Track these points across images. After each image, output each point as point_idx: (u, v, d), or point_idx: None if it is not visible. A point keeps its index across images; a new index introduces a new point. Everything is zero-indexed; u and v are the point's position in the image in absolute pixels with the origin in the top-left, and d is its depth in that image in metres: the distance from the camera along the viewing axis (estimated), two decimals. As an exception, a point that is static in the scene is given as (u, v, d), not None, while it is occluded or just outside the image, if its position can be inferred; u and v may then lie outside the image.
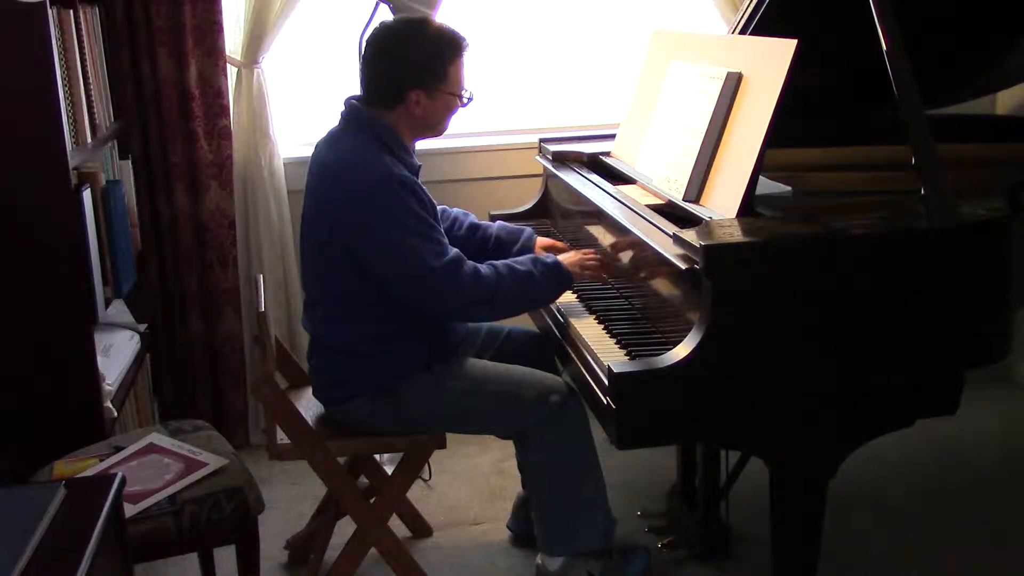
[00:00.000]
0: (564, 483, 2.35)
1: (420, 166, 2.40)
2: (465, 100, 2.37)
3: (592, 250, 2.44)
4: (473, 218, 2.69)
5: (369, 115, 2.32)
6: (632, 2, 3.66)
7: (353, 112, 2.35)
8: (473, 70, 2.40)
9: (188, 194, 3.21)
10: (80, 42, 2.60)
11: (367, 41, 2.34)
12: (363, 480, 2.76)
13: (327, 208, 2.29)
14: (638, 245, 2.20)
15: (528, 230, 2.68)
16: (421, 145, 2.60)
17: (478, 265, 2.28)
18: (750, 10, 2.58)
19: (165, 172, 3.19)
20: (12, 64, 2.27)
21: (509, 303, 2.31)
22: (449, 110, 2.36)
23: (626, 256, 2.35)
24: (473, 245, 2.61)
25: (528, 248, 2.63)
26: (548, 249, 2.64)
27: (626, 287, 2.38)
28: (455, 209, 2.69)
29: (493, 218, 3.08)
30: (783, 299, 1.89)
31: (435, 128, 2.38)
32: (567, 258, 2.39)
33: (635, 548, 2.49)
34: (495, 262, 2.33)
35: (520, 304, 2.36)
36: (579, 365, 2.14)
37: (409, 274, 2.22)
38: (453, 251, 2.25)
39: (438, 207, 2.59)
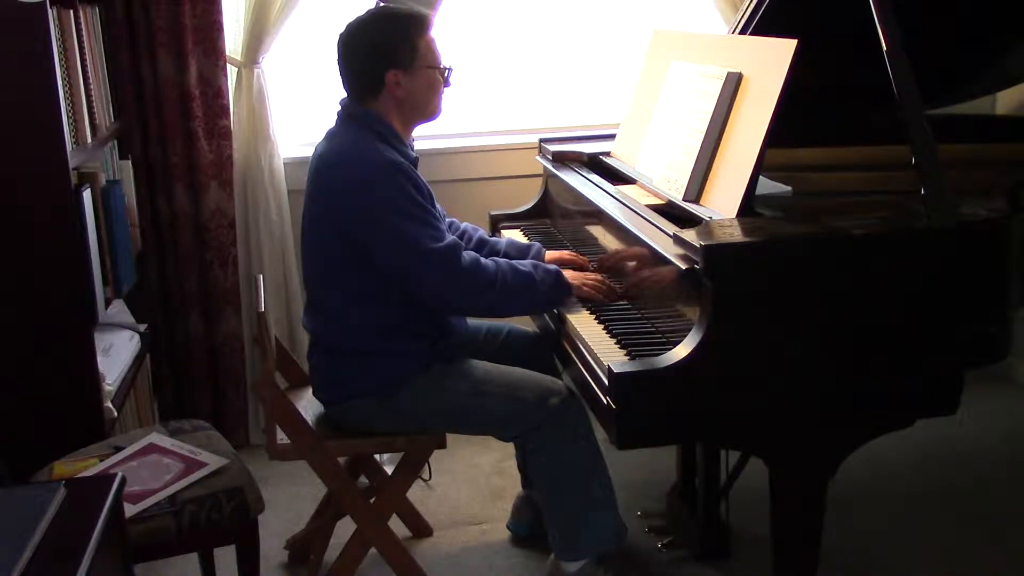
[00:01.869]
0: (568, 485, 2.34)
1: (417, 158, 2.40)
2: (446, 73, 2.38)
3: (597, 276, 2.42)
4: (483, 233, 2.70)
5: (361, 110, 2.35)
6: (632, 2, 3.66)
7: (348, 109, 2.38)
8: (452, 52, 2.42)
9: (188, 194, 3.21)
10: (80, 42, 2.60)
11: (337, 43, 2.37)
12: (363, 480, 2.76)
13: (327, 199, 2.30)
14: (638, 245, 2.20)
15: (537, 245, 2.67)
16: (421, 145, 2.61)
17: (478, 256, 2.29)
18: (750, 10, 2.58)
19: (165, 172, 3.19)
20: (12, 64, 2.27)
21: (506, 298, 2.30)
22: (432, 87, 2.36)
23: (626, 256, 2.34)
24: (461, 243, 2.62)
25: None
26: (556, 261, 2.63)
27: (626, 287, 2.38)
28: (465, 223, 2.70)
29: (493, 218, 3.09)
30: (783, 299, 1.89)
31: (424, 109, 2.38)
32: (570, 274, 2.38)
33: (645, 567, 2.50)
34: (496, 258, 2.33)
35: (516, 302, 2.35)
36: (579, 365, 2.14)
37: (407, 258, 2.22)
38: (451, 238, 2.27)
39: (448, 219, 2.61)
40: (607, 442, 1.96)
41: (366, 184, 2.23)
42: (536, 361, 2.51)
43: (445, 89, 2.40)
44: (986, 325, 2.04)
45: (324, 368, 2.42)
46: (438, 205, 2.39)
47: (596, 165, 2.80)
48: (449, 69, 2.39)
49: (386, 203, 2.22)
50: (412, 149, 2.42)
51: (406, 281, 2.26)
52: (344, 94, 2.40)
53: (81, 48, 2.60)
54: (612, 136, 2.89)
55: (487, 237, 2.69)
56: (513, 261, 2.35)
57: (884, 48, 2.01)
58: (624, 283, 2.37)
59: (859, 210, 2.11)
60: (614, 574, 2.38)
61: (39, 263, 2.36)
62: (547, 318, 2.44)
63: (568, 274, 2.37)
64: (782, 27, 2.15)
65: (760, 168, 2.05)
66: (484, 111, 3.61)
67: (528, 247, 2.66)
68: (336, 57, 2.37)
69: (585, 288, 2.35)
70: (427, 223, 2.24)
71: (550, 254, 2.64)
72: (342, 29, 2.38)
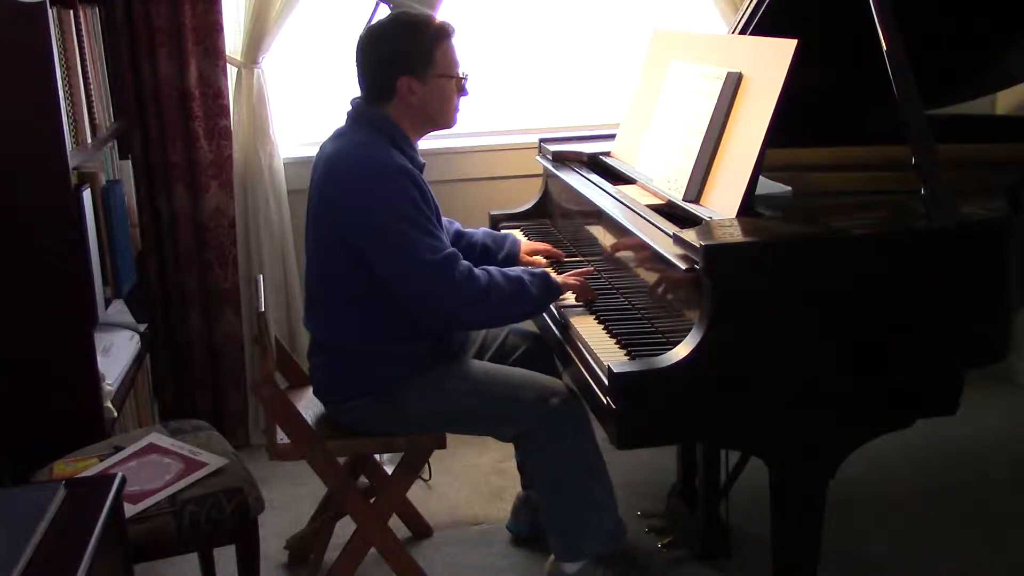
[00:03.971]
0: (568, 485, 2.34)
1: (424, 164, 2.39)
2: (462, 82, 2.36)
3: (578, 273, 2.44)
4: (458, 226, 2.70)
5: (373, 112, 2.33)
6: (632, 2, 3.66)
7: (358, 110, 2.36)
8: (466, 57, 2.39)
9: (188, 194, 3.21)
10: (80, 42, 2.60)
11: (356, 44, 2.35)
12: (363, 480, 2.76)
13: (332, 200, 2.29)
14: (638, 245, 2.20)
15: (512, 236, 2.71)
16: (421, 145, 2.60)
17: (472, 267, 2.27)
18: (750, 10, 2.58)
19: (165, 172, 3.19)
20: (12, 64, 2.27)
21: (499, 306, 2.28)
22: (446, 96, 2.35)
23: (626, 256, 2.35)
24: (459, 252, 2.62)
25: (513, 253, 2.67)
26: (532, 253, 2.69)
27: (626, 287, 2.38)
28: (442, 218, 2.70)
29: (493, 218, 3.09)
30: (783, 299, 1.89)
31: (437, 117, 2.37)
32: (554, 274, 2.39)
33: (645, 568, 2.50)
34: (487, 267, 2.31)
35: (510, 308, 2.31)
36: (579, 365, 2.14)
37: (401, 266, 2.21)
38: (449, 249, 2.25)
39: None
40: (607, 442, 1.96)
41: (370, 185, 2.22)
42: (537, 361, 2.51)
43: (462, 98, 2.38)
44: (986, 325, 2.04)
45: (324, 368, 2.41)
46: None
47: (596, 165, 2.80)
48: (465, 77, 2.37)
49: (389, 208, 2.20)
50: (419, 155, 2.40)
51: (401, 290, 2.24)
52: (356, 94, 2.39)
53: (81, 48, 2.60)
54: (612, 136, 2.88)
55: (463, 229, 2.70)
56: (504, 269, 2.33)
57: (884, 48, 2.01)
58: (626, 285, 2.37)
59: (859, 210, 2.11)
60: (614, 574, 2.38)
61: (39, 263, 2.36)
62: (548, 319, 2.44)
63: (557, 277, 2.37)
64: (782, 27, 2.15)
65: (760, 168, 2.05)
66: (484, 111, 3.61)
67: (504, 237, 2.69)
68: (354, 58, 2.36)
69: (571, 282, 2.36)
70: (427, 232, 2.22)
71: (525, 245, 2.69)
72: (363, 31, 2.37)
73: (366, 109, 2.35)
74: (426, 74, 2.30)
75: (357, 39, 2.36)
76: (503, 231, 2.81)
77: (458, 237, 2.66)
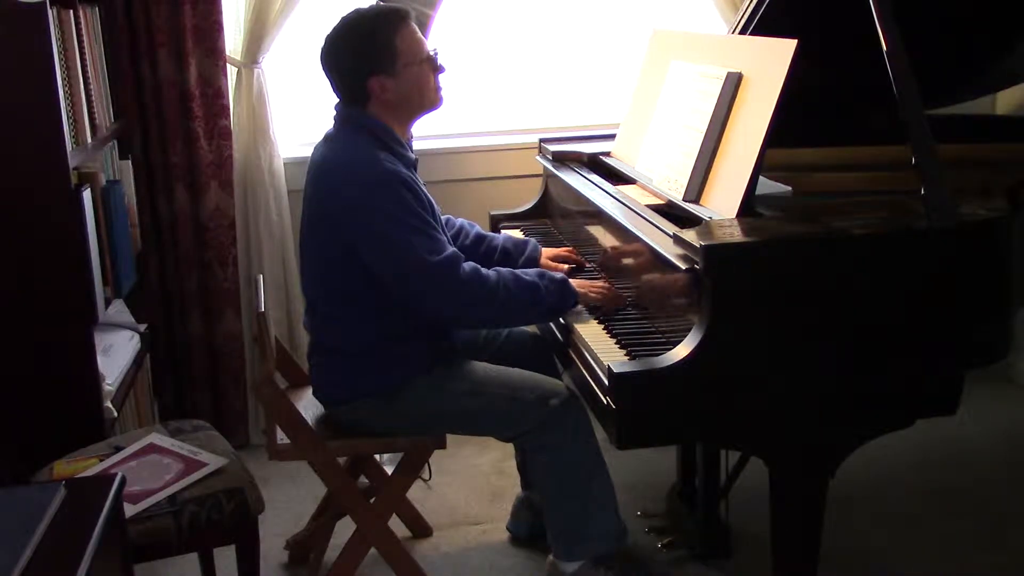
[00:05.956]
0: (569, 486, 2.33)
1: (416, 159, 2.39)
2: (434, 60, 2.32)
3: (603, 283, 2.40)
4: (479, 229, 2.69)
5: (356, 113, 2.32)
6: (632, 2, 3.66)
7: (343, 113, 2.35)
8: (432, 37, 2.36)
9: (188, 194, 3.21)
10: (80, 42, 2.60)
11: (319, 54, 2.33)
12: (363, 480, 2.76)
13: (325, 206, 2.29)
14: (638, 245, 2.20)
15: (533, 241, 2.68)
16: (422, 145, 2.60)
17: (478, 266, 2.27)
18: (750, 10, 2.58)
19: (165, 172, 3.19)
20: (12, 64, 2.27)
21: (509, 308, 2.26)
22: (422, 81, 2.31)
23: (626, 256, 2.35)
24: (479, 256, 2.60)
25: (534, 258, 2.63)
26: (554, 259, 2.64)
27: (626, 287, 2.38)
28: (460, 219, 2.69)
29: (493, 218, 3.09)
30: (783, 299, 1.89)
31: (420, 104, 2.34)
32: (575, 282, 2.35)
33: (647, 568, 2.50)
34: (499, 268, 2.31)
35: (520, 312, 2.31)
36: (579, 365, 2.14)
37: (405, 270, 2.21)
38: (451, 249, 2.24)
39: (443, 217, 2.60)
40: (607, 442, 1.96)
41: (364, 195, 2.21)
42: (537, 362, 2.51)
43: (441, 75, 2.34)
44: (986, 325, 2.04)
45: (324, 369, 2.41)
46: (438, 209, 2.38)
47: (596, 165, 2.80)
48: (434, 54, 2.33)
49: (385, 215, 2.19)
50: (411, 149, 2.40)
51: (406, 294, 2.24)
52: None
53: (81, 48, 2.60)
54: (612, 136, 2.88)
55: (484, 232, 2.69)
56: (517, 271, 2.32)
57: (884, 48, 2.01)
58: (626, 285, 2.37)
59: (859, 210, 2.11)
60: (613, 574, 2.38)
61: (39, 263, 2.36)
62: (551, 325, 2.43)
63: (574, 282, 2.34)
64: (782, 27, 2.15)
65: (760, 168, 2.05)
66: (484, 111, 3.61)
67: (525, 242, 2.66)
68: (320, 67, 2.34)
69: (592, 295, 2.33)
70: (426, 234, 2.21)
71: (547, 251, 2.66)
72: (324, 40, 2.33)
73: (349, 111, 2.33)
74: (394, 68, 2.27)
75: (319, 49, 2.32)
76: (522, 237, 2.76)
77: (479, 240, 2.65)
